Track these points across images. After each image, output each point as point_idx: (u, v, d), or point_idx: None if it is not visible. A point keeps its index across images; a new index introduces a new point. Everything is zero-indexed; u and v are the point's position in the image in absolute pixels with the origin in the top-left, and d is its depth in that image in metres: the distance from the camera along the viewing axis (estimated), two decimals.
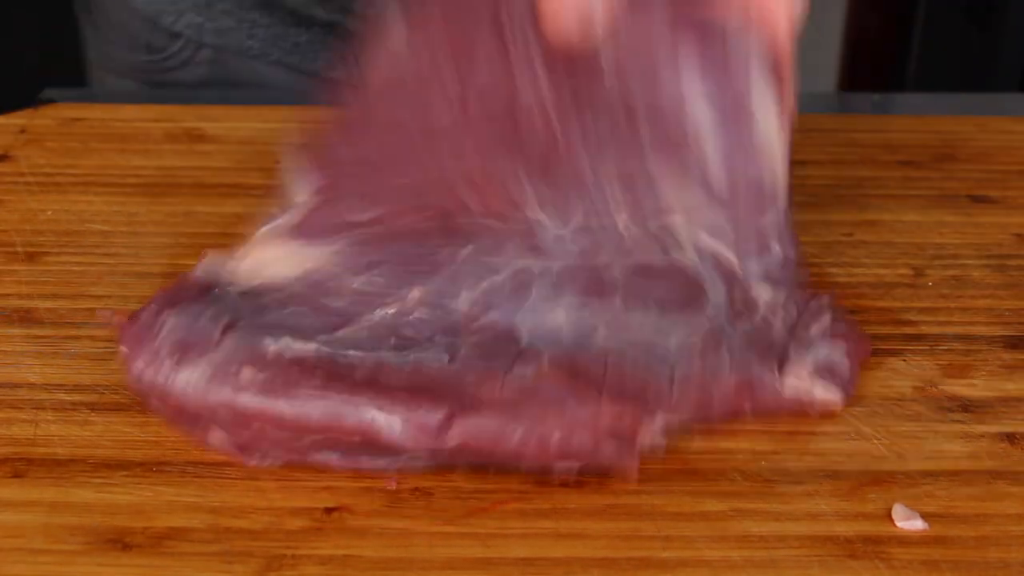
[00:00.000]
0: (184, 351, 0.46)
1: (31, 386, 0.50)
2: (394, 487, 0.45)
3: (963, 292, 0.58)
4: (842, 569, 0.42)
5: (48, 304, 0.55)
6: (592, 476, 0.46)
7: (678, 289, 0.52)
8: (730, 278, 0.52)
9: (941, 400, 0.51)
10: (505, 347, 0.48)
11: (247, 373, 0.46)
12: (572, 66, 0.51)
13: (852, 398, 0.51)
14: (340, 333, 0.48)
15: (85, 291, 0.56)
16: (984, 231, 0.64)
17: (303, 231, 0.54)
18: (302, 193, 0.57)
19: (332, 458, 0.46)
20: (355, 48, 0.54)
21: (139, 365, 0.47)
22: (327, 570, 0.42)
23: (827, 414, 0.50)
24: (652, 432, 0.47)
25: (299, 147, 0.55)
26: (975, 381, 0.52)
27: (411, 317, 0.49)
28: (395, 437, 0.44)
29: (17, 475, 0.45)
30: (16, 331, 0.53)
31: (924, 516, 0.44)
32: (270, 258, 0.52)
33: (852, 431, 0.49)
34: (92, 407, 0.49)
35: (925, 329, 0.55)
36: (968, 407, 0.50)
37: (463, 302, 0.50)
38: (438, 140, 0.53)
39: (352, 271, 0.52)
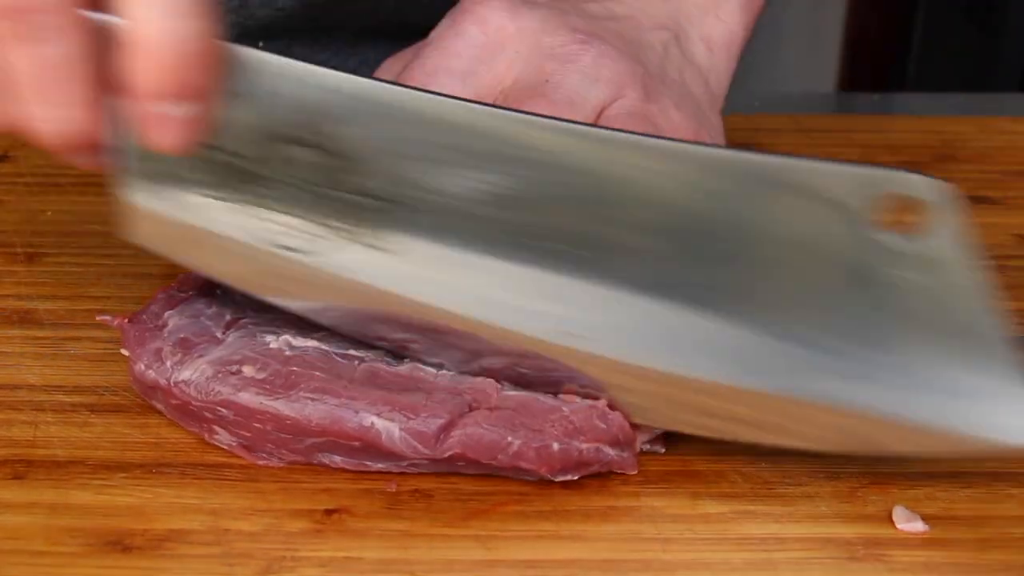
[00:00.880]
0: (186, 350, 0.46)
1: (31, 387, 0.50)
2: (394, 489, 0.45)
3: None
4: (842, 571, 0.42)
5: (48, 305, 0.55)
6: (592, 476, 0.46)
7: None
8: None
9: None
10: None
11: (248, 371, 0.46)
12: None
13: None
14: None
15: (85, 292, 0.56)
16: (984, 231, 0.64)
17: None
18: None
19: (335, 460, 0.46)
20: None
21: (141, 366, 0.47)
22: (327, 572, 0.42)
23: None
24: (650, 433, 0.47)
25: None
26: None
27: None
28: (395, 445, 0.44)
29: (17, 477, 0.45)
30: (16, 332, 0.53)
31: (925, 518, 0.44)
32: None
33: None
34: (92, 408, 0.49)
35: None
36: None
37: None
38: None
39: None
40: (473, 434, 0.44)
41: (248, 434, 0.45)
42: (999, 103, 0.91)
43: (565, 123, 0.44)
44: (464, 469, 0.45)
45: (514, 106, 0.48)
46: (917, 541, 0.44)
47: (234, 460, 0.46)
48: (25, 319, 0.54)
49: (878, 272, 0.43)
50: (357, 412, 0.44)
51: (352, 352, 0.47)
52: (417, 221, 0.45)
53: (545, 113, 0.46)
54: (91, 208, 0.63)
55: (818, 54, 1.87)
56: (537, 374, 0.46)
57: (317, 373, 0.46)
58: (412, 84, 0.49)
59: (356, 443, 0.45)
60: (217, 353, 0.46)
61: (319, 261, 0.46)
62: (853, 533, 0.44)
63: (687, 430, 0.46)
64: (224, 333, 0.48)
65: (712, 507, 0.45)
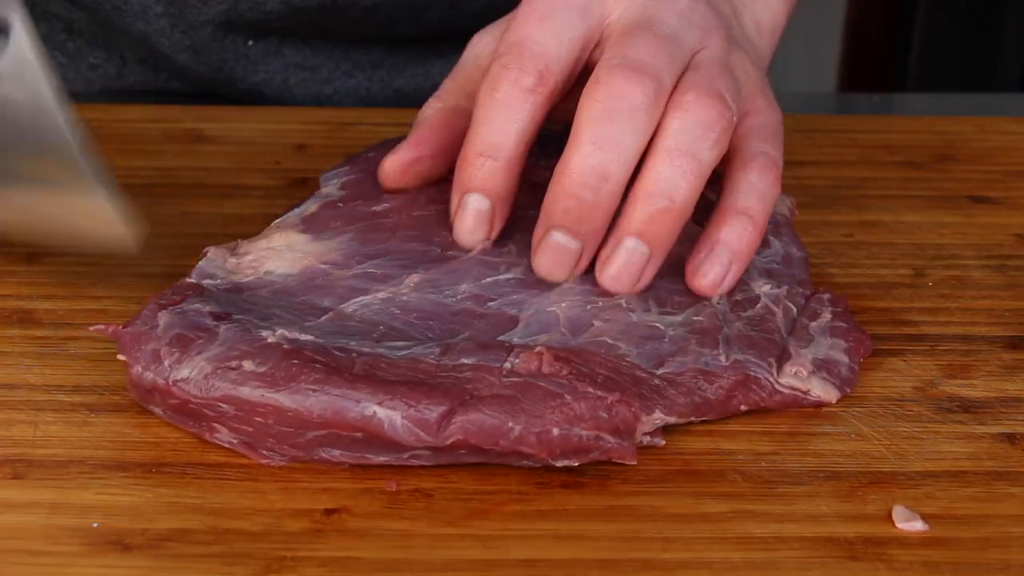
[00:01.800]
0: (182, 348, 0.46)
1: (30, 387, 0.50)
2: (394, 488, 0.45)
3: (963, 292, 0.58)
4: (842, 570, 0.42)
5: (48, 305, 0.55)
6: (592, 475, 0.46)
7: (676, 282, 0.52)
8: None
9: (941, 400, 0.51)
10: (502, 341, 0.48)
11: (248, 365, 0.46)
12: None
13: (852, 398, 0.51)
14: (326, 318, 0.48)
15: (85, 292, 0.56)
16: (984, 232, 0.64)
17: (312, 224, 0.54)
18: (328, 187, 0.58)
19: (336, 454, 0.46)
20: None
21: (139, 368, 0.47)
22: (327, 572, 0.42)
23: (825, 412, 0.50)
24: (650, 425, 0.47)
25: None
26: (975, 381, 0.52)
27: (401, 301, 0.50)
28: (397, 434, 0.44)
29: (17, 476, 0.45)
30: (16, 332, 0.53)
31: (924, 517, 0.44)
32: (273, 251, 0.53)
33: (852, 432, 0.49)
34: (92, 408, 0.49)
35: (925, 329, 0.55)
36: (968, 407, 0.50)
37: (462, 294, 0.50)
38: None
39: (353, 259, 0.52)
40: (475, 420, 0.44)
41: (249, 429, 0.45)
42: (999, 103, 0.91)
43: None
44: (465, 458, 0.45)
45: (620, 38, 0.51)
46: (917, 540, 0.44)
47: (234, 460, 0.46)
48: (25, 319, 0.54)
49: None
50: (359, 402, 0.44)
51: (350, 345, 0.47)
52: None
53: (649, 46, 0.50)
54: None
55: (818, 54, 1.88)
56: None
57: (317, 366, 0.46)
58: (531, 20, 0.51)
59: (358, 434, 0.45)
60: (215, 350, 0.46)
61: None
62: (853, 533, 0.44)
63: None
64: (215, 327, 0.48)
65: (712, 506, 0.45)
